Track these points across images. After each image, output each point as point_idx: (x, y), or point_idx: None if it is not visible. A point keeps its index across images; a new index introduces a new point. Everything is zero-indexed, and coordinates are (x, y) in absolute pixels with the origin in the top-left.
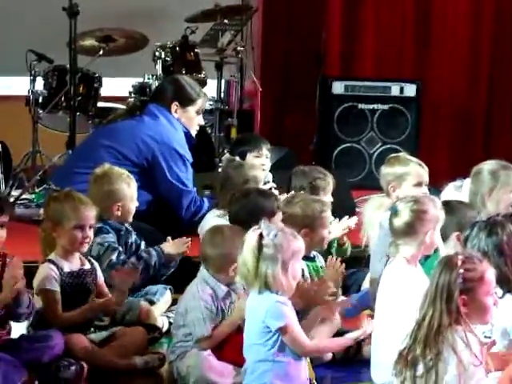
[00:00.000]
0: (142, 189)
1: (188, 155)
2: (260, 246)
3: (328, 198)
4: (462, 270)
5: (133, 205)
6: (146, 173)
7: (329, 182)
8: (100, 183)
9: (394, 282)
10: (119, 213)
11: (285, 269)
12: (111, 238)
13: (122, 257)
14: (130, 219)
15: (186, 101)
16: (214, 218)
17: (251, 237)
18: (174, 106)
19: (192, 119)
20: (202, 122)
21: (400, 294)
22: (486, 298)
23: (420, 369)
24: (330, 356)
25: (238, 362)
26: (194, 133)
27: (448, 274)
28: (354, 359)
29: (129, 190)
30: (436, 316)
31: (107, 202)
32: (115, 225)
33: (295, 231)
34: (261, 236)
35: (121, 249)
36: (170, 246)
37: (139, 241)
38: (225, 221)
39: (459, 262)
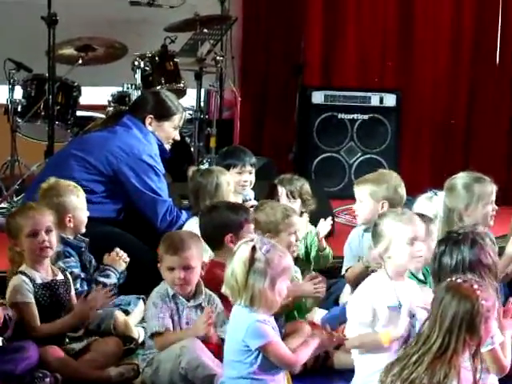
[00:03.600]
0: (110, 198)
1: (160, 166)
2: (252, 259)
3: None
4: (483, 302)
5: (84, 215)
6: (114, 183)
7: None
8: (49, 196)
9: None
10: (71, 224)
11: (272, 285)
12: (73, 262)
13: (86, 285)
14: (83, 229)
15: (162, 115)
16: (194, 226)
17: (243, 249)
18: (149, 118)
19: (167, 134)
20: (178, 138)
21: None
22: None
23: None
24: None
25: None
26: (167, 146)
27: (469, 304)
28: (324, 367)
29: (78, 201)
30: (451, 345)
31: (58, 215)
32: (75, 243)
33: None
34: (253, 249)
35: (82, 275)
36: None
37: (91, 257)
38: None
39: (478, 292)
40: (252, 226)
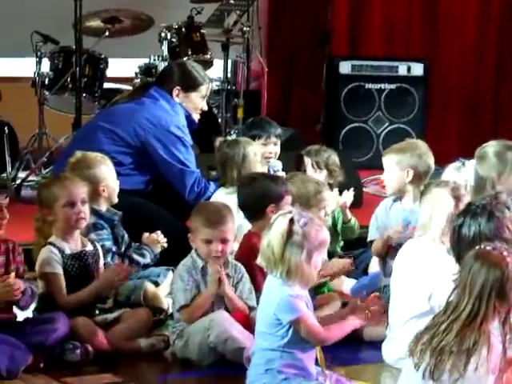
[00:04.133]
0: (138, 169)
1: (187, 137)
2: (289, 232)
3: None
4: None
5: (115, 183)
6: (142, 154)
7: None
8: (79, 169)
9: (421, 257)
10: (106, 194)
11: (309, 258)
12: (105, 235)
13: (116, 259)
14: (116, 199)
15: (188, 86)
16: (223, 196)
17: (281, 221)
18: (176, 90)
19: (194, 104)
20: (206, 108)
21: (426, 271)
22: None
23: (447, 359)
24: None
25: None
26: (195, 117)
27: (498, 271)
28: (354, 338)
29: (108, 170)
30: (481, 311)
31: (92, 186)
32: (108, 216)
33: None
34: (291, 222)
35: (114, 249)
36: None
37: (124, 233)
38: (234, 198)
39: (508, 259)
40: (290, 198)
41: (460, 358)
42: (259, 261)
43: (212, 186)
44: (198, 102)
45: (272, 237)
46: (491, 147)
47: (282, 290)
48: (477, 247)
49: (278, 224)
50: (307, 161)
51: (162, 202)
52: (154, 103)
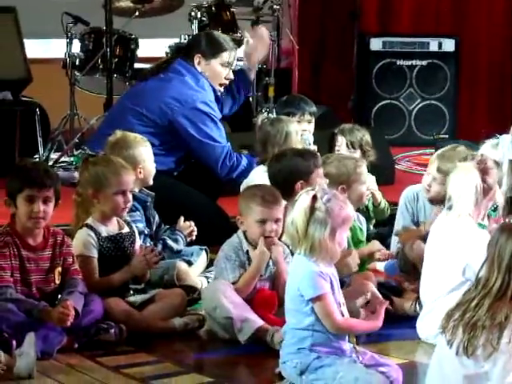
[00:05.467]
0: (169, 149)
1: (215, 112)
2: (312, 208)
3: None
4: None
5: (152, 165)
6: (171, 133)
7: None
8: (118, 149)
9: (451, 232)
10: (142, 175)
11: (333, 235)
12: (138, 216)
13: (148, 241)
14: (151, 181)
15: (209, 53)
16: (261, 174)
17: (304, 198)
18: (198, 57)
19: (216, 72)
20: (231, 76)
21: (457, 245)
22: None
23: (480, 334)
24: (363, 315)
25: (265, 319)
26: (218, 87)
27: None
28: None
29: (147, 151)
30: (511, 285)
31: (130, 167)
32: (142, 197)
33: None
34: (314, 198)
35: (146, 231)
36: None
37: (155, 213)
38: None
39: None
40: (321, 171)
41: (493, 332)
42: (284, 238)
43: (244, 159)
44: (219, 69)
45: (295, 214)
46: None
47: (307, 265)
48: (501, 222)
49: (301, 201)
50: (341, 139)
51: (193, 182)
52: (180, 79)
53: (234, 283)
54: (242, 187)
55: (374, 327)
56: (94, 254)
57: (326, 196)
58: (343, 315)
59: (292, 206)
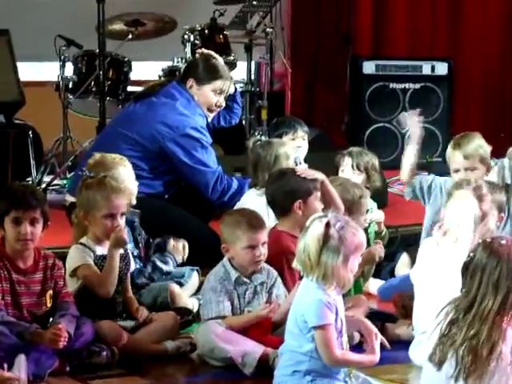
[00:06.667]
0: (159, 173)
1: (206, 137)
2: (326, 236)
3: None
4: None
5: (134, 185)
6: (162, 158)
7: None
8: (97, 171)
9: (445, 259)
10: None
11: (345, 262)
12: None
13: (138, 264)
14: (135, 200)
15: (202, 78)
16: (254, 197)
17: (317, 225)
18: (190, 81)
19: (207, 98)
20: (223, 104)
21: (451, 272)
22: None
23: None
24: (357, 338)
25: (262, 341)
26: (208, 113)
27: (505, 265)
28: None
29: (126, 171)
30: (489, 303)
31: None
32: (127, 217)
33: None
34: (327, 225)
35: (135, 253)
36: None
37: (141, 230)
38: (265, 199)
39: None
40: (319, 194)
41: (481, 354)
42: (295, 264)
43: (235, 182)
44: (210, 95)
45: (308, 241)
46: None
47: (315, 292)
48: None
49: (314, 228)
50: (348, 161)
51: (185, 205)
52: (171, 104)
53: (218, 317)
54: None
55: (371, 362)
56: (91, 262)
57: (339, 223)
58: (342, 347)
59: (303, 232)
